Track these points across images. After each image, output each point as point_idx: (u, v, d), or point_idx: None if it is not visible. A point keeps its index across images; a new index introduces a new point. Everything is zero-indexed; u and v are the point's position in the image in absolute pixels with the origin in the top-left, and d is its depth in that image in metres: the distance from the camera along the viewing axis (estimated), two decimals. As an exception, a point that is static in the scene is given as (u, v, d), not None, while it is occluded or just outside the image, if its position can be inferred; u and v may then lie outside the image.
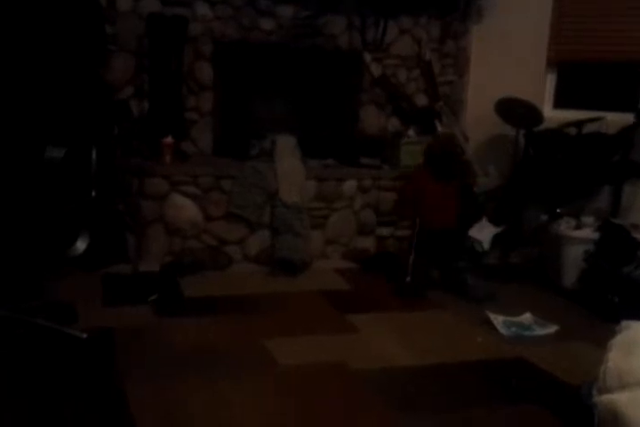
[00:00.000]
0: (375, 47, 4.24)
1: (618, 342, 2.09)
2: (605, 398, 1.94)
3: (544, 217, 3.90)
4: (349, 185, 3.93)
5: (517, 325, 3.02)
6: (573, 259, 3.53)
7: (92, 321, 2.76)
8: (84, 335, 2.60)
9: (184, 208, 3.65)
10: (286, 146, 3.87)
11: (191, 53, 3.91)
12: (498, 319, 3.04)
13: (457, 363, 2.62)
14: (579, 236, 3.58)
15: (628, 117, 3.97)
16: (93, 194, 2.69)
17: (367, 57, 4.23)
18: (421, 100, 4.43)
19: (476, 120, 4.49)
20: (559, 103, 4.44)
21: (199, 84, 3.98)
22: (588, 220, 3.71)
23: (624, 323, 2.17)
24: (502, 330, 2.96)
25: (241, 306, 3.13)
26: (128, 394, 2.19)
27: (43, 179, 2.68)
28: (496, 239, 4.20)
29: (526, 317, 3.10)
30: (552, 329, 3.00)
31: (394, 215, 3.95)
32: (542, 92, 4.40)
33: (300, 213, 3.76)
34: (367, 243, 4.00)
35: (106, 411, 2.10)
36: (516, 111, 4.14)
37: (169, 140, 3.72)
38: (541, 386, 2.47)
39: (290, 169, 3.80)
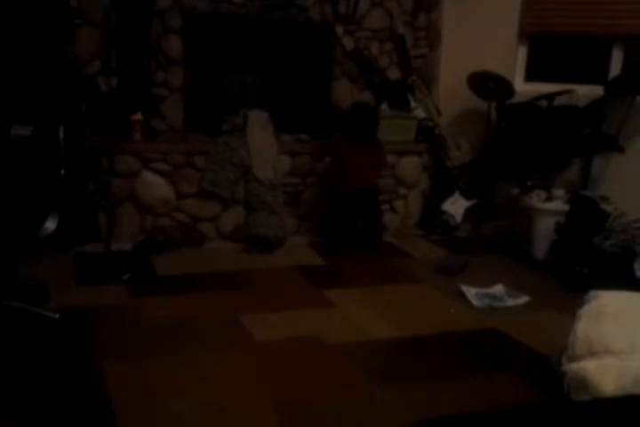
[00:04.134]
0: (347, 20, 4.19)
1: (586, 311, 2.14)
2: (574, 366, 1.99)
3: (516, 190, 3.94)
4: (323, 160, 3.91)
5: (489, 296, 3.07)
6: (544, 231, 3.58)
7: (66, 301, 2.74)
8: (57, 315, 2.59)
9: (155, 186, 3.61)
10: (258, 121, 3.83)
11: (160, 27, 3.82)
12: (470, 291, 3.09)
13: (432, 334, 2.67)
14: (549, 208, 3.63)
15: (598, 90, 4.00)
16: (62, 172, 2.64)
17: (339, 30, 4.18)
18: (394, 74, 4.40)
19: (449, 94, 4.49)
20: (530, 76, 4.46)
21: (168, 59, 3.90)
22: (559, 192, 3.76)
23: (592, 293, 2.22)
24: (475, 301, 3.01)
25: (216, 283, 3.13)
26: (104, 372, 2.19)
27: (10, 158, 2.63)
28: (468, 212, 4.25)
29: (498, 288, 3.15)
30: (523, 300, 3.06)
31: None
32: (513, 66, 4.41)
33: (273, 189, 3.75)
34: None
35: (81, 389, 2.10)
36: (487, 85, 4.14)
37: (138, 116, 3.65)
38: (514, 355, 2.52)
39: (262, 144, 3.77)
